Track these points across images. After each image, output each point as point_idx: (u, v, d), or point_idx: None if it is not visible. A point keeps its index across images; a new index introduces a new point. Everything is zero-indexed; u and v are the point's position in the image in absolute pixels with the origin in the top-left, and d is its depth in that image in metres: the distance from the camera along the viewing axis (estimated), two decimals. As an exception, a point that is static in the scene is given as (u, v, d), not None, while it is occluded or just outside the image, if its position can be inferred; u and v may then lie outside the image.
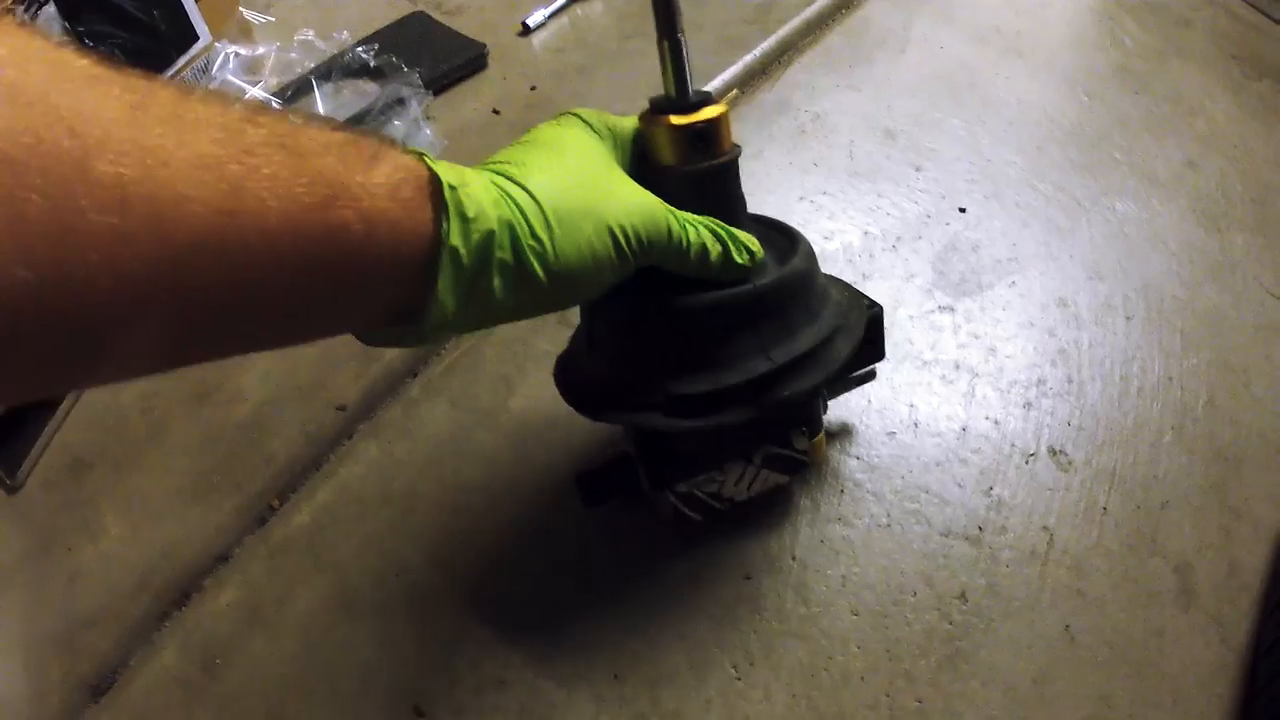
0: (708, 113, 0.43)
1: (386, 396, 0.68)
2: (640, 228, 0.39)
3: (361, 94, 0.87)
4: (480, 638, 0.56)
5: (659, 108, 0.44)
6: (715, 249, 0.42)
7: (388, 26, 0.96)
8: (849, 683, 0.54)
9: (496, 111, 0.90)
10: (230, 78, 0.87)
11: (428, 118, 0.84)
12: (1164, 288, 0.78)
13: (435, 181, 0.32)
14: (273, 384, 0.67)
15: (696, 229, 0.42)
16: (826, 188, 0.81)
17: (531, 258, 0.35)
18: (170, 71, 0.82)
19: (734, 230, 0.44)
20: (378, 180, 0.30)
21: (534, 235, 0.35)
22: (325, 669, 0.55)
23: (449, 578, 0.58)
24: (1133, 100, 0.95)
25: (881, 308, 0.55)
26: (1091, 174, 0.86)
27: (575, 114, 0.43)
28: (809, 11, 1.00)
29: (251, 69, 0.89)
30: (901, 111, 0.89)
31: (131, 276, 0.22)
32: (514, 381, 0.68)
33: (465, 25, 0.98)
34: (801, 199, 0.79)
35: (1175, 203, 0.85)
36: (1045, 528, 0.62)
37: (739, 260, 0.43)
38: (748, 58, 0.93)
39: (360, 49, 0.89)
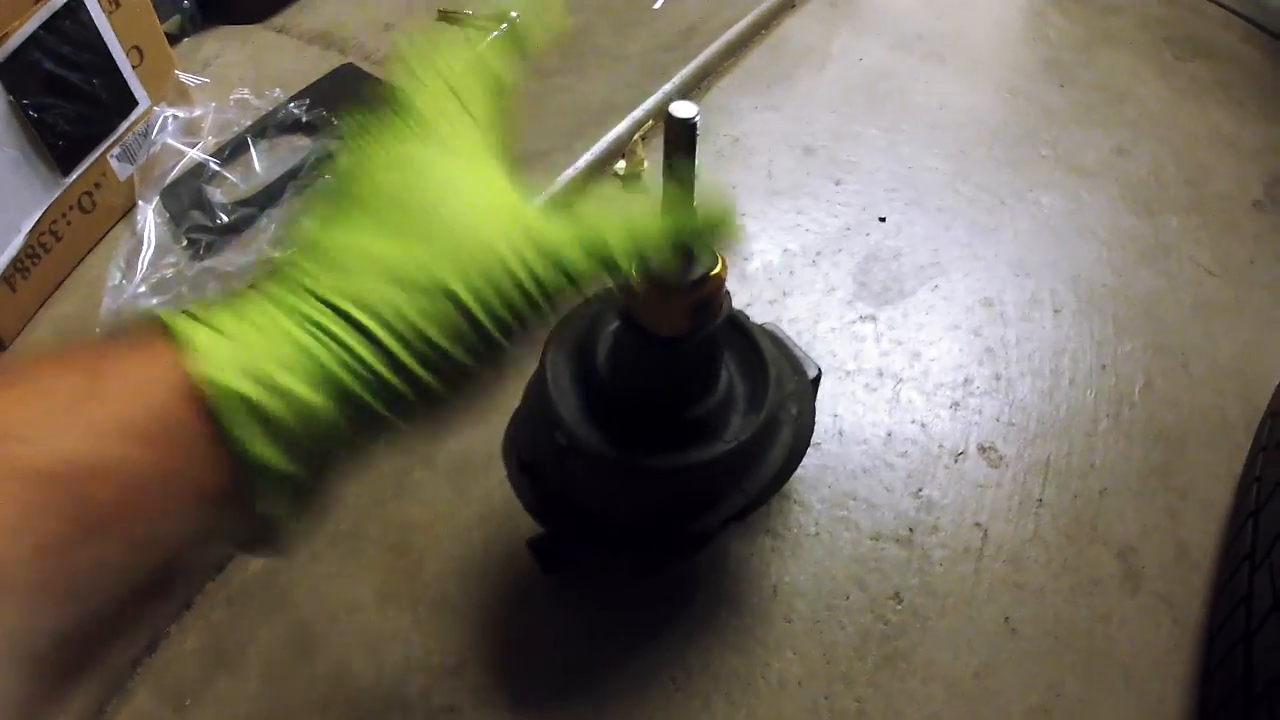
0: (716, 277, 0.44)
1: None
2: (494, 288, 0.31)
3: (294, 149, 0.97)
4: (428, 667, 0.63)
5: (663, 280, 0.44)
6: (623, 258, 0.34)
7: (319, 80, 1.06)
8: (786, 688, 0.61)
9: None
10: (170, 140, 0.97)
11: None
12: (1094, 277, 0.86)
13: (199, 386, 0.26)
14: None
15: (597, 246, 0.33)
16: (745, 209, 0.89)
17: (379, 406, 0.30)
18: (113, 138, 0.91)
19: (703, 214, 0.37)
20: (120, 419, 0.25)
21: (377, 380, 0.29)
22: (286, 705, 0.62)
23: (397, 613, 0.65)
24: (1059, 93, 1.05)
25: (820, 371, 0.63)
26: (1016, 171, 0.95)
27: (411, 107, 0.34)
28: (730, 33, 1.10)
29: (190, 130, 0.99)
30: (821, 127, 0.99)
31: None
32: (449, 422, 0.75)
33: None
34: (722, 223, 0.88)
35: (1105, 191, 0.94)
36: (978, 524, 0.69)
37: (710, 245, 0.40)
38: (667, 86, 1.03)
39: (293, 105, 0.99)
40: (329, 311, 0.29)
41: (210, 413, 0.26)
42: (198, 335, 0.27)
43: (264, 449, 0.27)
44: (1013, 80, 1.06)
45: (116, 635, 0.28)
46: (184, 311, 0.28)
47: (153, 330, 0.28)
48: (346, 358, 0.28)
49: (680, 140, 0.40)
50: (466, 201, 0.32)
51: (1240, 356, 0.82)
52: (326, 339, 0.28)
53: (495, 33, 0.40)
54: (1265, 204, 0.97)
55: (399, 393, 0.30)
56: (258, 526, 0.31)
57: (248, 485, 0.28)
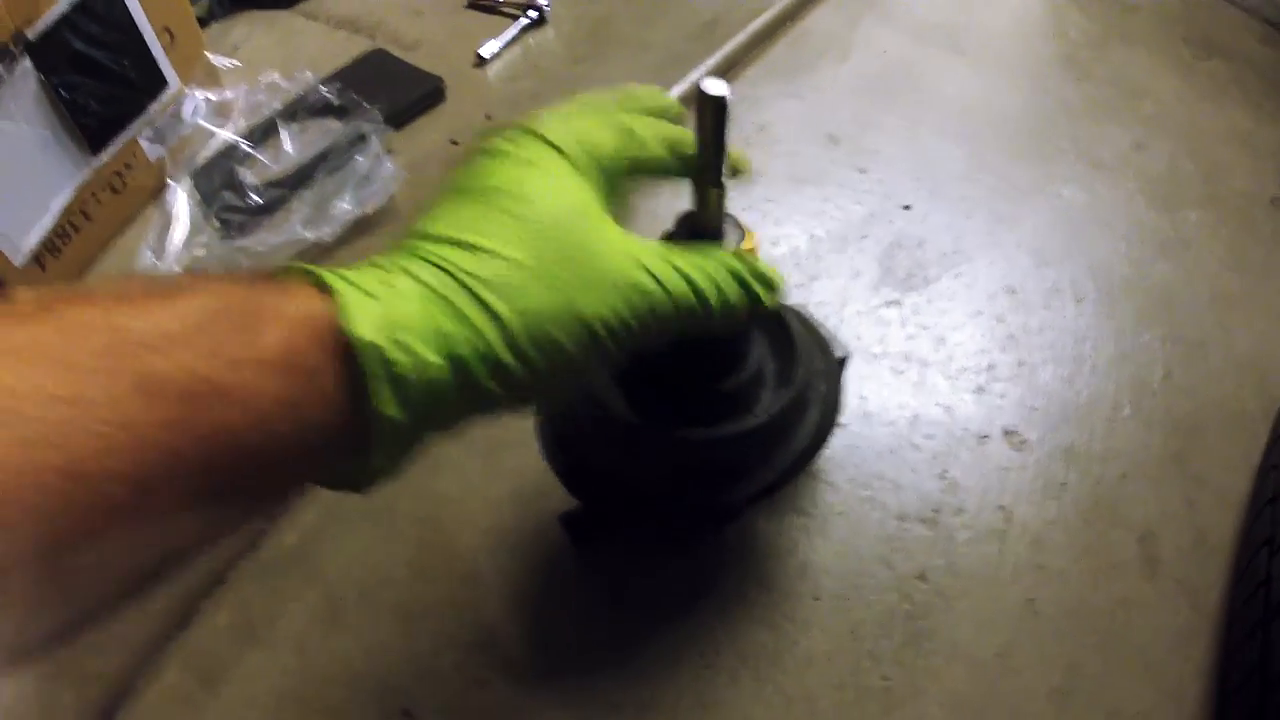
0: (747, 251, 0.45)
1: None
2: (635, 316, 0.35)
3: (325, 132, 0.98)
4: (461, 640, 0.64)
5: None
6: (737, 297, 0.39)
7: (349, 64, 1.07)
8: (814, 664, 0.62)
9: (455, 142, 1.00)
10: (201, 122, 0.98)
11: (389, 152, 0.94)
12: (1113, 268, 0.87)
13: (344, 336, 0.28)
14: None
15: (707, 277, 0.38)
16: (771, 195, 0.90)
17: (491, 384, 0.32)
18: (143, 118, 0.92)
19: (751, 263, 0.41)
20: (264, 355, 0.27)
21: (493, 361, 0.32)
22: (318, 679, 0.63)
23: (429, 586, 0.66)
24: (1077, 88, 1.06)
25: (848, 353, 0.65)
26: (1036, 163, 0.96)
27: (540, 135, 0.38)
28: (754, 25, 1.11)
29: (220, 113, 1.00)
30: (845, 116, 1.00)
31: None
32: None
33: (423, 59, 1.09)
34: (747, 209, 0.89)
35: (1123, 185, 0.95)
36: (1002, 506, 0.70)
37: (767, 304, 0.41)
38: (693, 75, 1.04)
39: (323, 88, 1.00)
40: (462, 291, 0.31)
41: (348, 362, 0.28)
42: (347, 291, 0.29)
43: (391, 405, 0.29)
44: (1032, 74, 1.07)
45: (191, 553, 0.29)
46: (329, 269, 0.31)
47: (301, 278, 0.30)
48: (472, 336, 0.31)
49: (711, 117, 0.41)
50: (592, 220, 0.36)
51: (1256, 349, 0.83)
52: (457, 315, 0.31)
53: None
54: (1281, 201, 0.98)
55: (512, 375, 0.33)
56: (355, 472, 0.32)
57: (366, 435, 0.30)
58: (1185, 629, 0.66)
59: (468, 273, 0.32)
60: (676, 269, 0.36)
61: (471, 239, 0.33)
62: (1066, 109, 1.03)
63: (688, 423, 0.52)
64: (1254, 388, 0.80)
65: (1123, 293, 0.85)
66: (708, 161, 0.42)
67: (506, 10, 1.16)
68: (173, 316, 0.25)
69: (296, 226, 0.87)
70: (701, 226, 0.45)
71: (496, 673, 0.62)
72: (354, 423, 0.29)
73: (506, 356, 0.32)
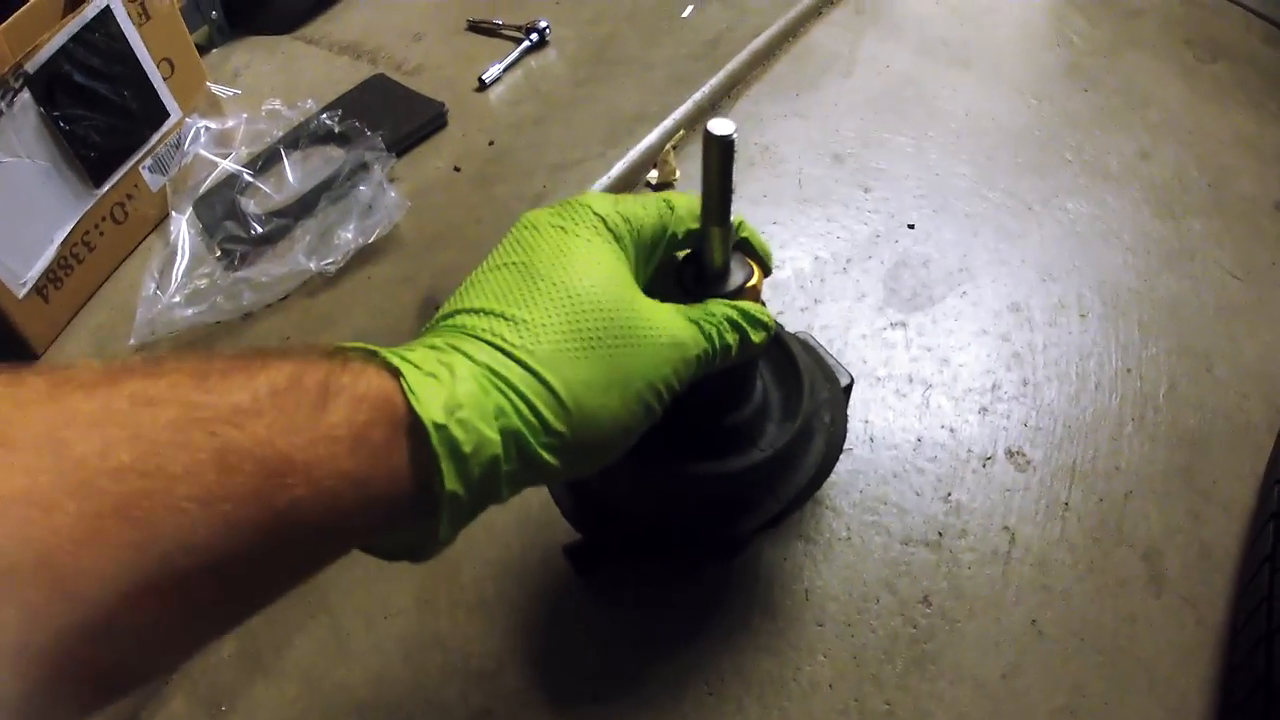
0: (752, 288, 0.47)
1: None
2: (676, 374, 0.38)
3: (328, 160, 0.99)
4: (466, 671, 0.66)
5: (700, 292, 0.46)
6: (736, 342, 0.42)
7: (350, 91, 1.09)
8: (818, 691, 0.63)
9: (457, 169, 1.02)
10: (202, 151, 0.99)
11: (391, 180, 0.96)
12: (1119, 281, 0.88)
13: (412, 416, 0.30)
14: None
15: (721, 334, 0.41)
16: (776, 217, 0.92)
17: (545, 455, 0.33)
18: (145, 149, 0.94)
19: (744, 308, 0.44)
20: (334, 433, 0.27)
21: (547, 432, 0.33)
22: (324, 709, 0.65)
23: (435, 617, 0.68)
24: (1083, 98, 1.07)
25: (852, 379, 0.66)
26: (1041, 176, 0.97)
27: (586, 205, 0.39)
28: (756, 43, 1.12)
29: (222, 141, 1.02)
30: (849, 134, 1.01)
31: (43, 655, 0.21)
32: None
33: (424, 84, 1.11)
34: (751, 231, 0.90)
35: (1129, 195, 0.96)
36: (1006, 527, 0.71)
37: (757, 342, 0.44)
38: (697, 95, 1.05)
39: (325, 116, 1.02)
40: (516, 365, 0.33)
41: (415, 440, 0.30)
42: (411, 373, 0.31)
43: (456, 480, 0.31)
44: (1036, 85, 1.08)
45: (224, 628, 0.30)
46: (390, 351, 0.33)
47: (366, 358, 0.32)
48: (526, 409, 0.33)
49: (718, 158, 0.42)
50: (629, 288, 0.38)
51: (1263, 358, 0.84)
52: (511, 389, 0.33)
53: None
54: (1288, 206, 0.99)
55: (567, 443, 0.34)
56: (415, 543, 0.35)
57: (430, 510, 0.32)
58: (1190, 645, 0.68)
59: (518, 346, 0.33)
60: (699, 326, 0.40)
61: (518, 313, 0.34)
62: (1072, 119, 1.04)
63: (693, 458, 0.53)
64: (1261, 398, 0.81)
65: (1128, 306, 0.86)
66: (713, 201, 0.43)
67: (507, 33, 1.17)
68: (244, 391, 0.26)
69: (299, 256, 0.89)
70: (708, 265, 0.46)
71: (502, 703, 0.64)
72: (419, 498, 0.31)
73: (559, 425, 0.33)
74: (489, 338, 0.34)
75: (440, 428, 0.30)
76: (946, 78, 1.09)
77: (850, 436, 0.74)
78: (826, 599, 0.67)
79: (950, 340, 0.82)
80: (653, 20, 1.18)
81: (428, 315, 0.85)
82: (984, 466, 0.74)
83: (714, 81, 1.06)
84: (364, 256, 0.91)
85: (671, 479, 0.54)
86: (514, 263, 0.37)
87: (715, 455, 0.53)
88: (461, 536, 0.73)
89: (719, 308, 0.42)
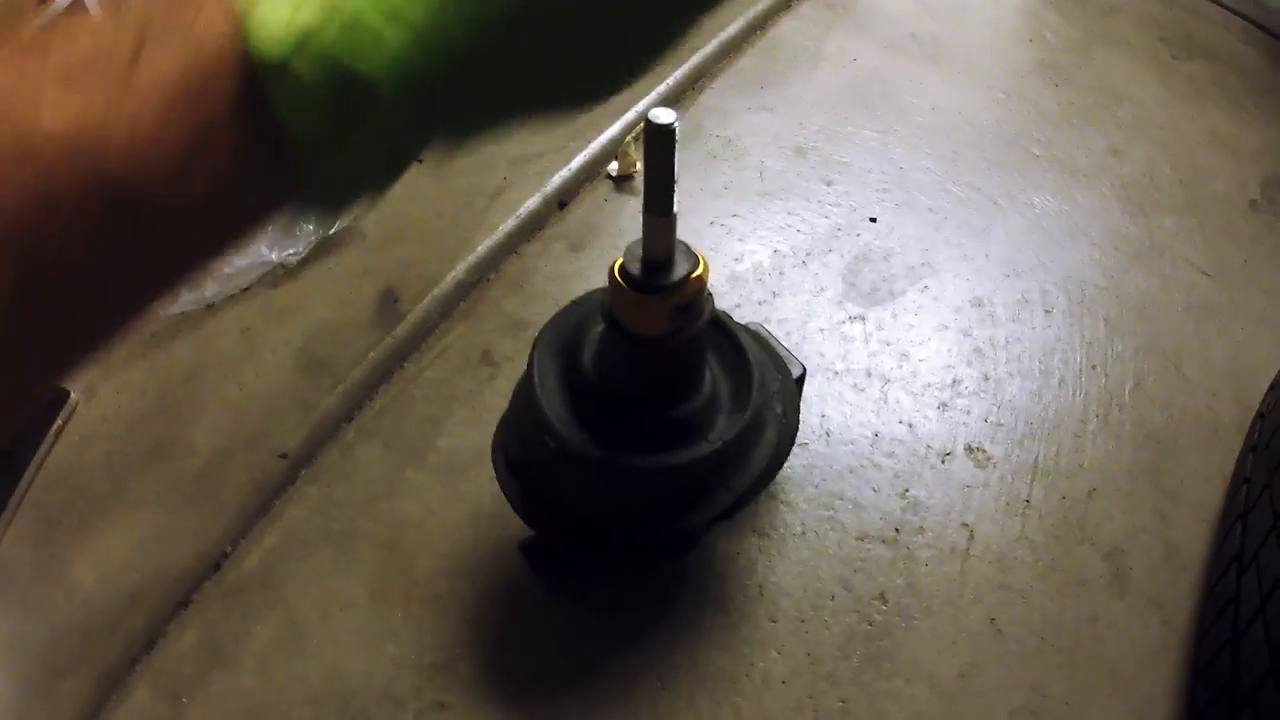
0: (697, 279, 0.48)
1: (325, 442, 0.79)
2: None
3: None
4: (420, 664, 0.66)
5: (644, 283, 0.47)
6: None
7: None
8: (771, 687, 0.63)
9: (419, 160, 1.02)
10: None
11: None
12: (1086, 277, 0.89)
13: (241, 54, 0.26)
14: (222, 436, 0.79)
15: None
16: (737, 210, 0.93)
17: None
18: None
19: None
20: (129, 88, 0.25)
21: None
22: (280, 701, 0.65)
23: (388, 610, 0.68)
24: (1054, 94, 1.08)
25: (804, 370, 0.67)
26: (1008, 171, 0.98)
27: None
28: (723, 35, 1.13)
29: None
30: (814, 128, 1.02)
31: None
32: (441, 421, 0.79)
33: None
34: (712, 223, 0.91)
35: (1098, 192, 0.97)
36: (965, 524, 0.72)
37: None
38: (661, 87, 1.06)
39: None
40: None
41: (250, 73, 0.25)
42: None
43: (302, 117, 0.26)
44: (1006, 81, 1.10)
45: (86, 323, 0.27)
46: None
47: None
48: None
49: (660, 147, 0.42)
50: None
51: (1233, 358, 0.85)
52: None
53: None
54: (1261, 204, 1.00)
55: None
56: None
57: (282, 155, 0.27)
58: (1155, 646, 0.68)
59: None
60: None
61: None
62: (1042, 115, 1.05)
63: (642, 451, 0.53)
64: (1230, 398, 0.82)
65: (1094, 303, 0.87)
66: (656, 191, 0.44)
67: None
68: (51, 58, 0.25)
69: (262, 248, 0.89)
70: (651, 255, 0.47)
71: (456, 695, 0.64)
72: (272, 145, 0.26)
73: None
74: None
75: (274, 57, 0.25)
76: (915, 73, 1.10)
77: (806, 431, 0.75)
78: (780, 595, 0.67)
79: (910, 335, 0.82)
80: (618, 13, 1.19)
81: (387, 307, 0.87)
82: (943, 462, 0.74)
83: (678, 74, 1.07)
84: (325, 248, 0.92)
85: (622, 473, 0.54)
86: None
87: (665, 448, 0.54)
88: (416, 529, 0.74)
89: None
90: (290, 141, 0.27)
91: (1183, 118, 1.08)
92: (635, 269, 0.48)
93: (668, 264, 0.47)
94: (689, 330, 0.50)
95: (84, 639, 0.68)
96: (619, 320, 0.50)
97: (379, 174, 0.31)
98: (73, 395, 0.84)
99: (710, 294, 0.51)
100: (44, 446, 0.81)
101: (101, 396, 0.84)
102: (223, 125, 0.26)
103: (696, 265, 0.48)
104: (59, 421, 0.82)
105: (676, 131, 0.41)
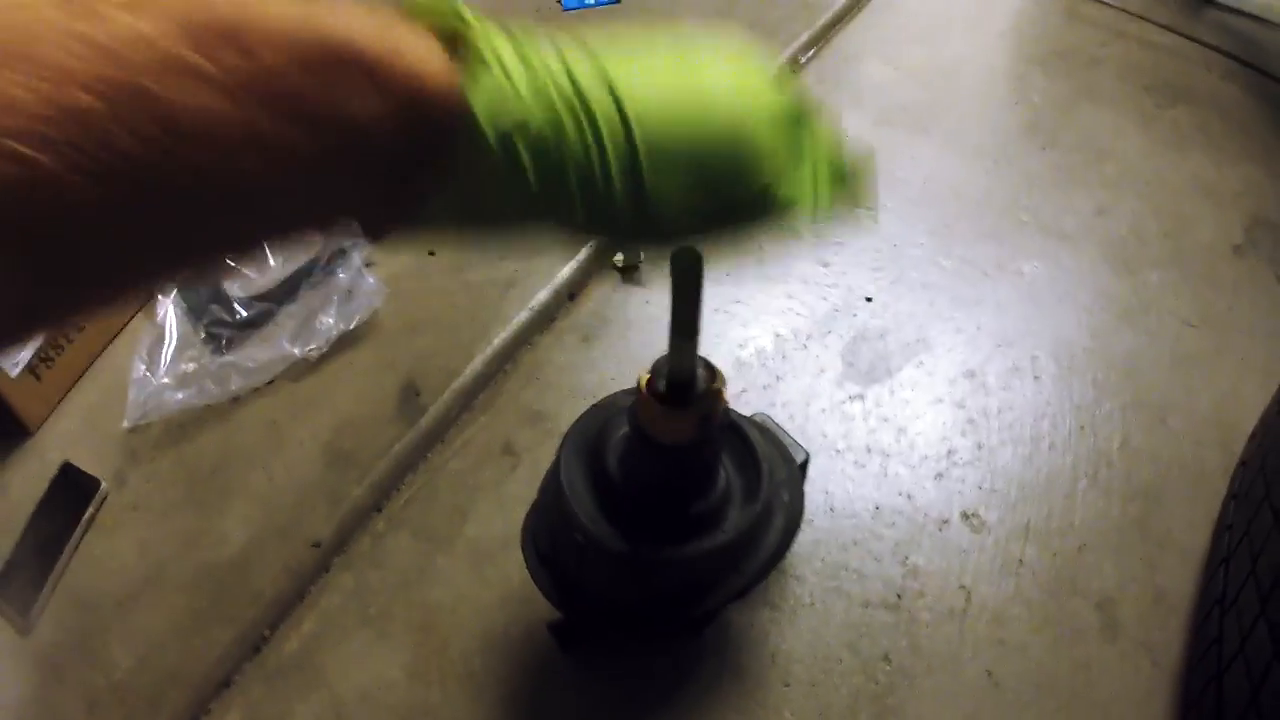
0: (717, 391, 0.56)
1: (355, 530, 0.90)
2: (770, 224, 0.36)
3: (308, 246, 1.08)
4: (462, 745, 0.77)
5: (670, 398, 0.55)
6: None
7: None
8: (786, 748, 0.75)
9: (432, 253, 1.12)
10: None
11: (368, 265, 1.07)
12: (1074, 341, 1.00)
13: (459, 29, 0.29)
14: (254, 526, 0.89)
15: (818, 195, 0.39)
16: (739, 295, 1.05)
17: (576, 181, 0.31)
18: None
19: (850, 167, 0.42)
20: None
21: (603, 176, 0.31)
22: None
23: (425, 689, 0.79)
24: (1040, 157, 1.19)
25: (808, 455, 0.77)
26: (998, 241, 1.09)
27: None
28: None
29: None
30: (811, 209, 1.14)
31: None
32: (467, 510, 0.90)
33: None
34: (716, 310, 1.03)
35: (1085, 254, 1.08)
36: (962, 586, 0.82)
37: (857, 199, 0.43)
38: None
39: (307, 202, 1.14)
40: (599, 80, 0.31)
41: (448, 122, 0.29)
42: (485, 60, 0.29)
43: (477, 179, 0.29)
44: (995, 147, 1.21)
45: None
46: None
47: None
48: (585, 127, 0.30)
49: (689, 278, 0.48)
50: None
51: (1219, 405, 0.95)
52: (575, 92, 0.30)
53: None
54: (1245, 248, 1.10)
55: (598, 186, 0.31)
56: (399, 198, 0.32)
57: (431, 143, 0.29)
58: (1146, 687, 0.78)
59: (616, 74, 0.31)
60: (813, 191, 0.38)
61: (630, 54, 0.32)
62: (1030, 180, 1.16)
63: (664, 542, 0.64)
64: (1216, 444, 0.92)
65: (1082, 365, 0.98)
66: (683, 317, 0.50)
67: None
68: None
69: (283, 342, 1.00)
70: (676, 374, 0.56)
71: (496, 770, 0.76)
72: (446, 116, 0.29)
73: (616, 177, 0.31)
74: (598, 57, 0.31)
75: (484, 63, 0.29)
76: (906, 145, 1.21)
77: (811, 507, 0.86)
78: (792, 661, 0.78)
79: (907, 410, 0.94)
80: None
81: (409, 399, 0.98)
82: (940, 530, 0.85)
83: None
84: (345, 342, 1.02)
85: (646, 564, 0.64)
86: (647, 40, 0.34)
87: (684, 540, 0.64)
88: (448, 613, 0.87)
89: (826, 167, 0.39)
90: (445, 190, 0.30)
91: (1166, 167, 1.18)
92: (662, 385, 0.55)
93: (691, 380, 0.54)
94: (708, 436, 0.59)
95: (126, 717, 0.79)
96: (645, 430, 0.58)
97: (486, 246, 0.35)
98: (103, 484, 0.92)
99: (725, 400, 0.59)
100: (76, 533, 0.89)
101: (131, 485, 0.93)
102: (390, 141, 0.28)
103: (715, 378, 0.56)
104: (91, 509, 0.91)
105: (704, 260, 0.47)
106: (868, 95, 1.29)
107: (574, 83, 0.30)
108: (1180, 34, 1.38)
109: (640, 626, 0.73)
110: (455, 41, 0.29)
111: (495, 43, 0.29)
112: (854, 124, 1.25)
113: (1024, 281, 1.05)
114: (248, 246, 0.30)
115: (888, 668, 0.78)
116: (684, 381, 0.55)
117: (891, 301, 1.03)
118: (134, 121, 0.23)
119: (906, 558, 0.84)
